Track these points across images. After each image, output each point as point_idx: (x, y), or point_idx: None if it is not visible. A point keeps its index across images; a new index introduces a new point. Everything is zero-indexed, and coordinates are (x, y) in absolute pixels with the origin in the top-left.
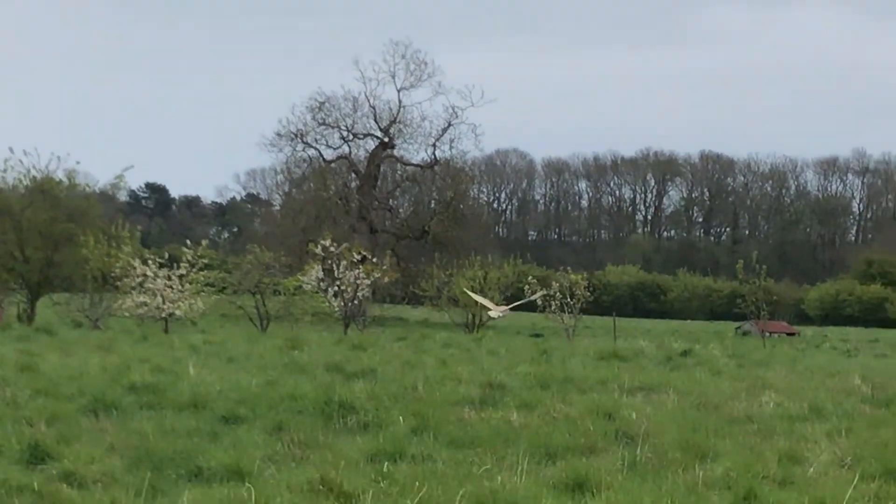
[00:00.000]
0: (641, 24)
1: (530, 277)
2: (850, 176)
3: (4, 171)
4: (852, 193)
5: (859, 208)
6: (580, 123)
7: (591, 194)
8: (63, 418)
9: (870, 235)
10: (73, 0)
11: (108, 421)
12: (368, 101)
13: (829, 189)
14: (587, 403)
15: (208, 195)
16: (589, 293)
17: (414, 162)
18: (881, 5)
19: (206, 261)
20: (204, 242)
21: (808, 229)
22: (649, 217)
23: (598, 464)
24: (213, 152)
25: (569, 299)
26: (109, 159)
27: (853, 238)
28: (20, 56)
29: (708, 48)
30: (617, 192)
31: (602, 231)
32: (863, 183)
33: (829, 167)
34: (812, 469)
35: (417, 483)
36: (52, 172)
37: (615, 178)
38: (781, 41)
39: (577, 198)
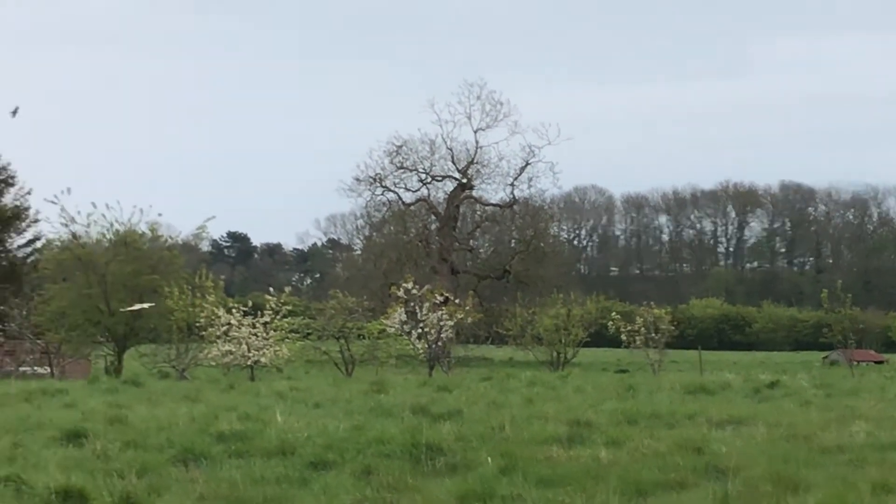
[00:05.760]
0: (702, 55)
1: (614, 313)
2: None
3: (88, 225)
4: None
5: None
6: (657, 157)
7: (671, 228)
8: (153, 469)
9: None
10: (156, 53)
11: (197, 470)
12: (445, 143)
13: None
14: (675, 438)
15: (289, 242)
16: (673, 327)
17: (493, 202)
18: None
19: (289, 307)
20: (287, 289)
21: (892, 256)
22: (731, 249)
23: (688, 499)
24: (293, 199)
25: (653, 334)
26: (191, 210)
27: None
28: (104, 109)
29: (771, 78)
30: (697, 225)
31: (683, 264)
32: None
33: None
34: None
35: None
36: (135, 225)
37: (695, 211)
38: (840, 71)
39: (657, 232)
